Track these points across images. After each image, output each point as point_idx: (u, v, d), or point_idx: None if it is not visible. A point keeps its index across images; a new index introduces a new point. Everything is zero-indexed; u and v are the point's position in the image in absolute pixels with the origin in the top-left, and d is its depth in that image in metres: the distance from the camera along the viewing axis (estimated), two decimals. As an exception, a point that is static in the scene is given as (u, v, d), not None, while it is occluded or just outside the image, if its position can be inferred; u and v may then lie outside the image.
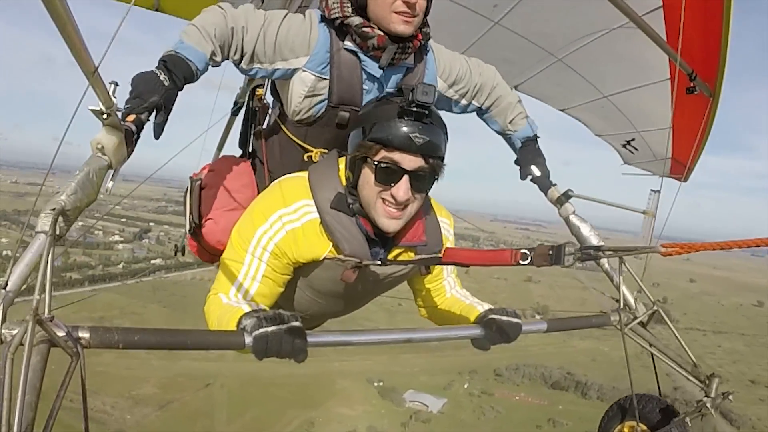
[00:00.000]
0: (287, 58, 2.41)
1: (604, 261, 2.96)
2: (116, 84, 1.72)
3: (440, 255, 2.35)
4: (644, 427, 2.87)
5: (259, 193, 2.74)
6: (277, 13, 2.44)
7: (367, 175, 2.12)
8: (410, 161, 2.06)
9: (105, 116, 1.73)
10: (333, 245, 2.24)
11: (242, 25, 2.34)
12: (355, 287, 2.35)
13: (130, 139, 1.94)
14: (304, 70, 2.43)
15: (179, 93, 2.15)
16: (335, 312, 2.76)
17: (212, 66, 2.32)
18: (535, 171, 2.99)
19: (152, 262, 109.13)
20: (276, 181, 2.39)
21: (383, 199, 2.13)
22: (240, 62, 2.42)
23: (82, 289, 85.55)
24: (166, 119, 2.05)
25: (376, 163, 2.06)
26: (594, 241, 2.99)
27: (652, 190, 4.71)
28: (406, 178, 2.08)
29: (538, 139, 3.05)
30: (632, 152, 6.57)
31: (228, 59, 2.40)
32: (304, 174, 2.33)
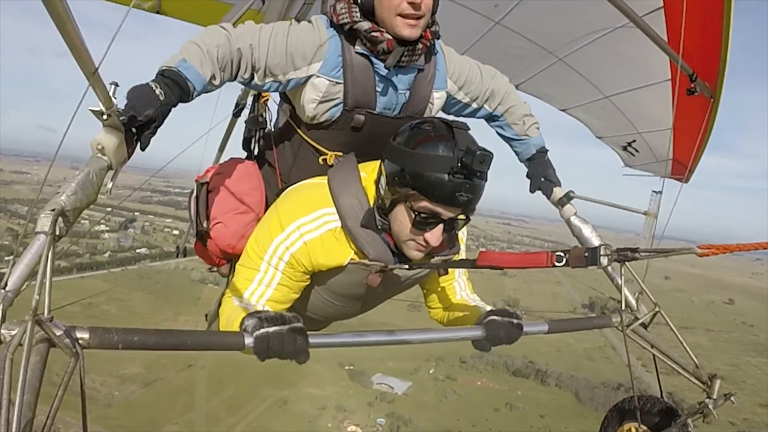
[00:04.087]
0: (300, 66, 2.38)
1: (605, 261, 2.96)
2: (116, 84, 1.71)
3: (475, 258, 2.27)
4: (645, 429, 2.86)
5: (267, 196, 2.73)
6: (282, 24, 2.42)
7: (403, 216, 2.09)
8: (449, 212, 2.04)
9: (105, 117, 1.73)
10: (356, 251, 2.23)
11: (249, 43, 2.30)
12: (376, 289, 2.34)
13: (131, 140, 1.94)
14: (318, 76, 2.41)
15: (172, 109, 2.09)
16: (349, 313, 2.73)
17: (208, 90, 2.26)
18: (547, 185, 3.05)
19: (137, 251, 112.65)
20: (293, 187, 2.39)
21: (415, 240, 2.14)
22: (251, 80, 2.39)
23: (70, 276, 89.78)
24: (155, 133, 2.01)
25: (416, 212, 2.04)
26: (595, 242, 2.99)
27: (653, 191, 4.70)
28: (441, 225, 2.07)
29: (548, 152, 3.07)
30: (633, 154, 6.57)
31: (234, 80, 2.37)
32: (323, 180, 2.32)
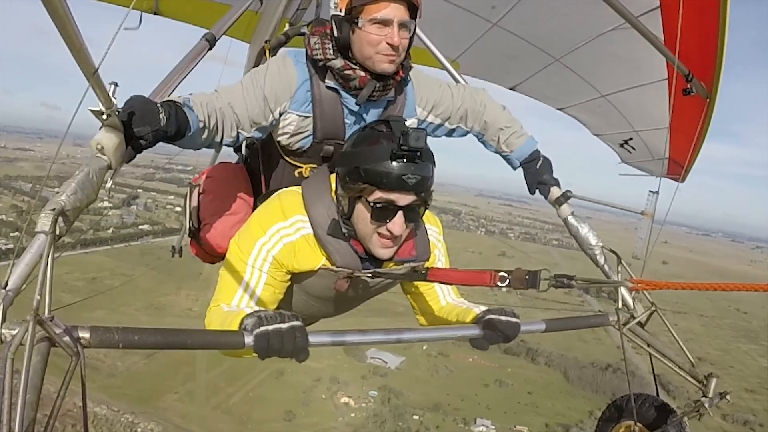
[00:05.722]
0: (274, 108, 2.49)
1: (602, 261, 2.99)
2: (116, 85, 1.72)
3: (425, 271, 2.40)
4: (642, 427, 2.88)
5: (255, 198, 2.89)
6: (249, 76, 2.50)
7: (363, 212, 2.20)
8: (404, 199, 2.14)
9: (105, 117, 1.73)
10: (326, 257, 2.33)
11: (228, 102, 2.39)
12: (346, 293, 2.44)
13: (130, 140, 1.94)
14: (288, 112, 2.52)
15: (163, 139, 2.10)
16: (326, 314, 2.85)
17: (196, 142, 2.31)
18: (543, 187, 3.07)
19: (140, 227, 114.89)
20: (274, 195, 2.47)
21: (379, 233, 2.22)
22: (238, 138, 2.47)
23: (73, 252, 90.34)
24: (141, 151, 2.01)
25: (372, 204, 2.14)
26: (592, 241, 3.02)
27: (650, 191, 4.71)
28: (400, 213, 2.17)
29: (539, 157, 3.05)
30: (630, 152, 6.58)
31: (222, 141, 2.44)
32: (299, 189, 2.42)
